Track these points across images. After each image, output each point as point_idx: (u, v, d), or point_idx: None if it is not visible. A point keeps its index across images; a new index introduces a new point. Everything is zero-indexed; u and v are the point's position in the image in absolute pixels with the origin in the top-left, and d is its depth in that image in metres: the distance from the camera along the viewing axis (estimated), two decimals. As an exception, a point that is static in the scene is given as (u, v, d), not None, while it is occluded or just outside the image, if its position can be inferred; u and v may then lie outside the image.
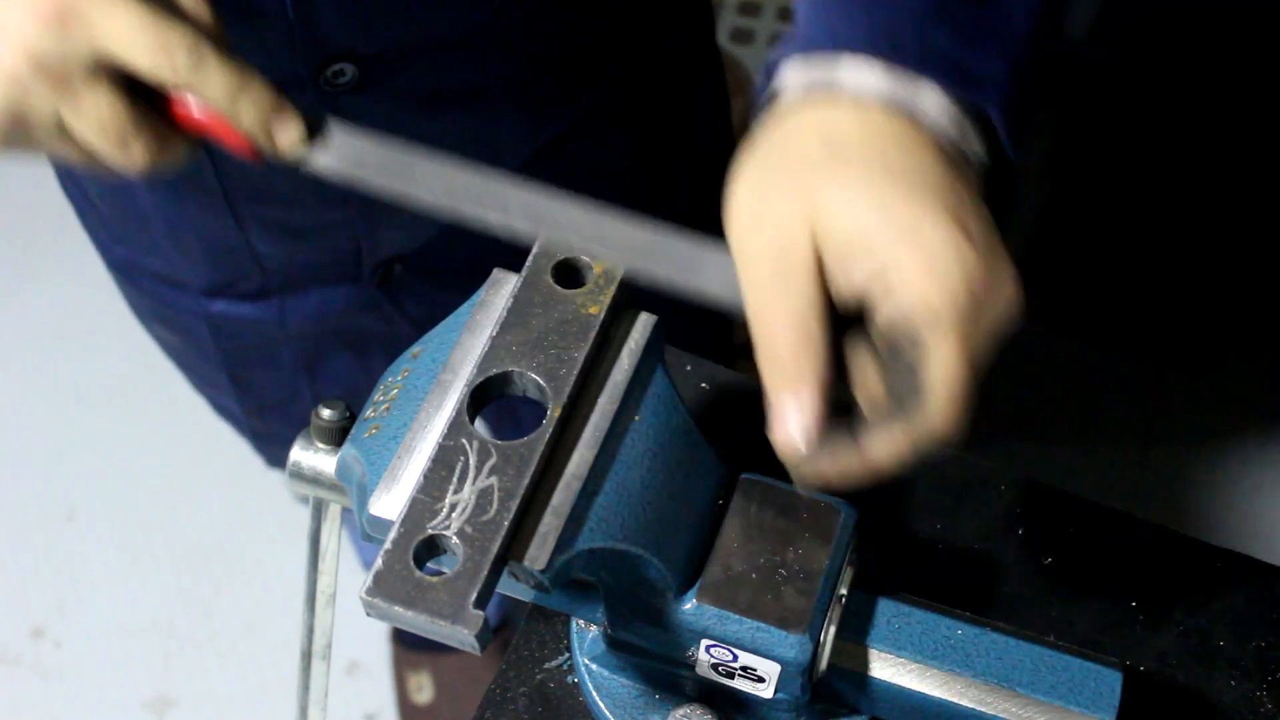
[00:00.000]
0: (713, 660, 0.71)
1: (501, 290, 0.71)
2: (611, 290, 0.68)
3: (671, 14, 1.15)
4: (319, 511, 0.78)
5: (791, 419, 0.61)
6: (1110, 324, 2.09)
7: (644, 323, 0.69)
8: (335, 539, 0.79)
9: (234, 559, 2.00)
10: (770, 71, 0.67)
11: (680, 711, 0.75)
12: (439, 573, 0.61)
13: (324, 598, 0.82)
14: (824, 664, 0.70)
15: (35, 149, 0.71)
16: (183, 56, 0.67)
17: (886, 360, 0.62)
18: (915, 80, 0.63)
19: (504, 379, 0.67)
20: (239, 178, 0.99)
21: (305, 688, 0.86)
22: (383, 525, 0.65)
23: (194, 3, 0.69)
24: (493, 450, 0.64)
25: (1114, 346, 2.07)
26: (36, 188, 1.76)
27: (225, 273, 1.10)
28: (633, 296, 0.70)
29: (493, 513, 0.62)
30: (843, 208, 0.60)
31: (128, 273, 1.17)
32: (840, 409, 0.63)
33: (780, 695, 0.71)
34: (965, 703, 0.71)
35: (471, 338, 0.69)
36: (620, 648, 0.75)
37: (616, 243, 0.69)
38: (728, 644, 0.69)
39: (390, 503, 0.66)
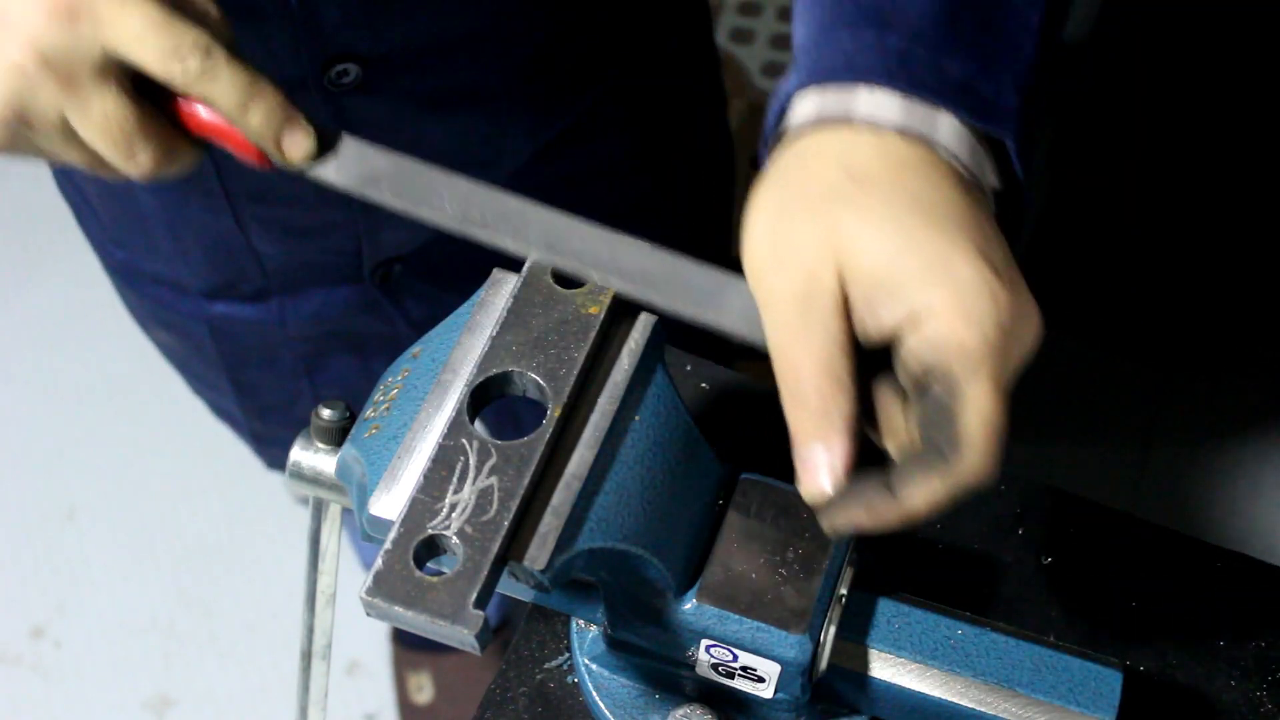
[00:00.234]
0: (713, 660, 0.71)
1: (501, 290, 0.71)
2: (611, 290, 0.68)
3: (671, 14, 1.15)
4: (319, 511, 0.78)
5: (821, 467, 0.60)
6: (1110, 324, 2.09)
7: (644, 323, 0.69)
8: (335, 539, 0.79)
9: (234, 559, 2.00)
10: (783, 103, 0.66)
11: (680, 711, 0.75)
12: (439, 573, 0.61)
13: (324, 598, 0.82)
14: (824, 664, 0.70)
15: (38, 151, 0.70)
16: (194, 59, 0.65)
17: (915, 400, 0.60)
18: (931, 110, 0.62)
19: (504, 379, 0.67)
20: (240, 178, 0.99)
21: (305, 688, 0.86)
22: (383, 525, 0.65)
23: (206, 5, 0.68)
24: (493, 450, 0.64)
25: (1114, 347, 2.07)
26: (36, 188, 1.76)
27: (226, 274, 1.10)
28: (633, 296, 0.70)
29: (493, 513, 0.62)
30: (869, 243, 0.59)
31: (127, 276, 1.17)
32: (864, 449, 0.61)
33: (780, 695, 0.71)
34: (965, 703, 0.71)
35: (471, 338, 0.69)
36: (620, 648, 0.75)
37: (635, 275, 0.68)
38: (728, 644, 0.69)
39: (390, 503, 0.66)
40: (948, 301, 0.58)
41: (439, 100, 0.97)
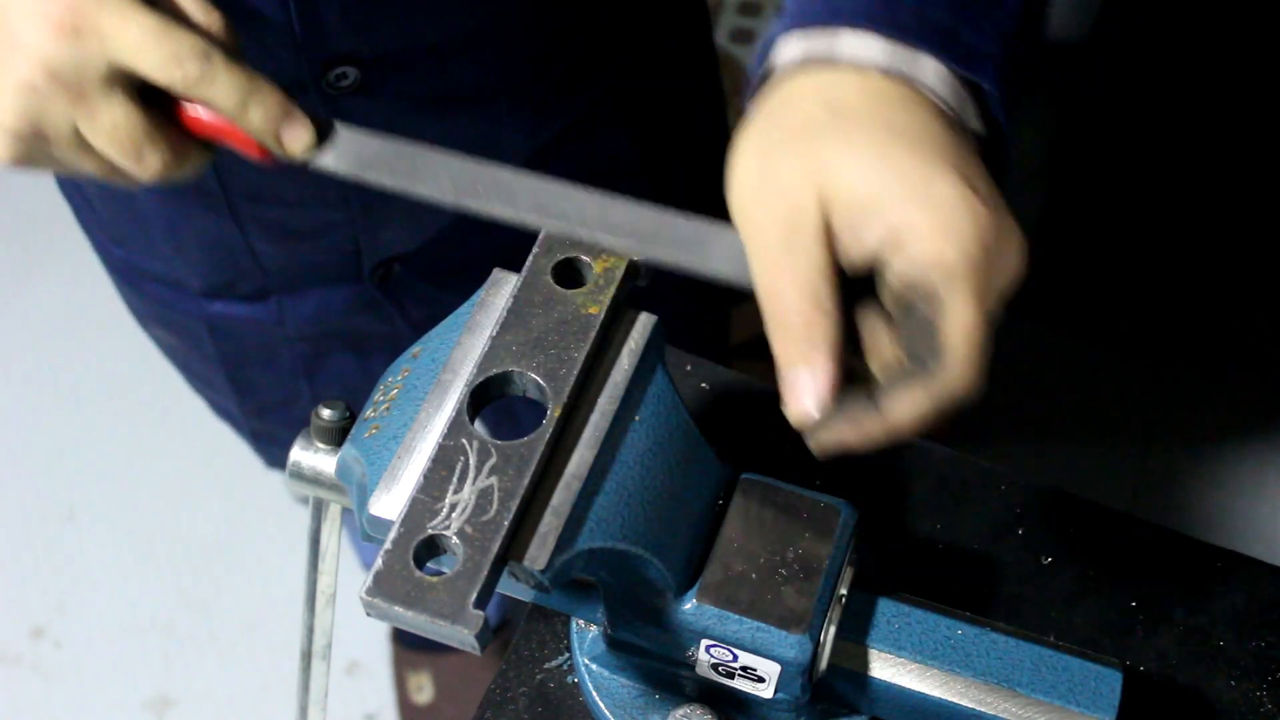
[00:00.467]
0: (713, 660, 0.71)
1: (501, 290, 0.71)
2: (611, 290, 0.68)
3: (671, 14, 1.15)
4: (319, 511, 0.78)
5: (806, 390, 0.61)
6: (1110, 324, 2.09)
7: (644, 323, 0.69)
8: (335, 539, 0.79)
9: (234, 559, 2.00)
10: (766, 48, 0.67)
11: (680, 711, 0.75)
12: (439, 573, 0.61)
13: (324, 598, 0.82)
14: (824, 664, 0.70)
15: (54, 163, 0.72)
16: (194, 65, 0.68)
17: (899, 321, 0.61)
18: (914, 52, 0.63)
19: (504, 379, 0.67)
20: (238, 178, 0.99)
21: (305, 688, 0.86)
22: (383, 525, 0.65)
23: (204, 13, 0.71)
24: (493, 450, 0.64)
25: (1114, 346, 2.07)
26: (36, 188, 1.77)
27: (225, 274, 1.11)
28: (633, 296, 0.70)
29: (493, 513, 0.62)
30: (850, 170, 0.60)
31: (126, 275, 1.17)
32: (849, 376, 0.62)
33: (780, 695, 0.71)
34: (965, 703, 0.71)
35: (471, 338, 0.69)
36: (620, 648, 0.75)
37: (623, 229, 0.69)
38: (728, 644, 0.69)
39: (390, 503, 0.66)
40: (928, 219, 0.59)
41: (437, 101, 0.97)
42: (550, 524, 0.63)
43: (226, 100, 0.69)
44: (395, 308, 1.14)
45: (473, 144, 1.02)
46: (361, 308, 1.14)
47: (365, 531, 0.67)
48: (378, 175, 0.72)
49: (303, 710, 0.87)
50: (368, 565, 1.68)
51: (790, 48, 0.65)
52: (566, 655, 0.82)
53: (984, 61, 0.64)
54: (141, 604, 1.97)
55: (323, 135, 0.72)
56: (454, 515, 0.62)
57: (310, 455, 0.74)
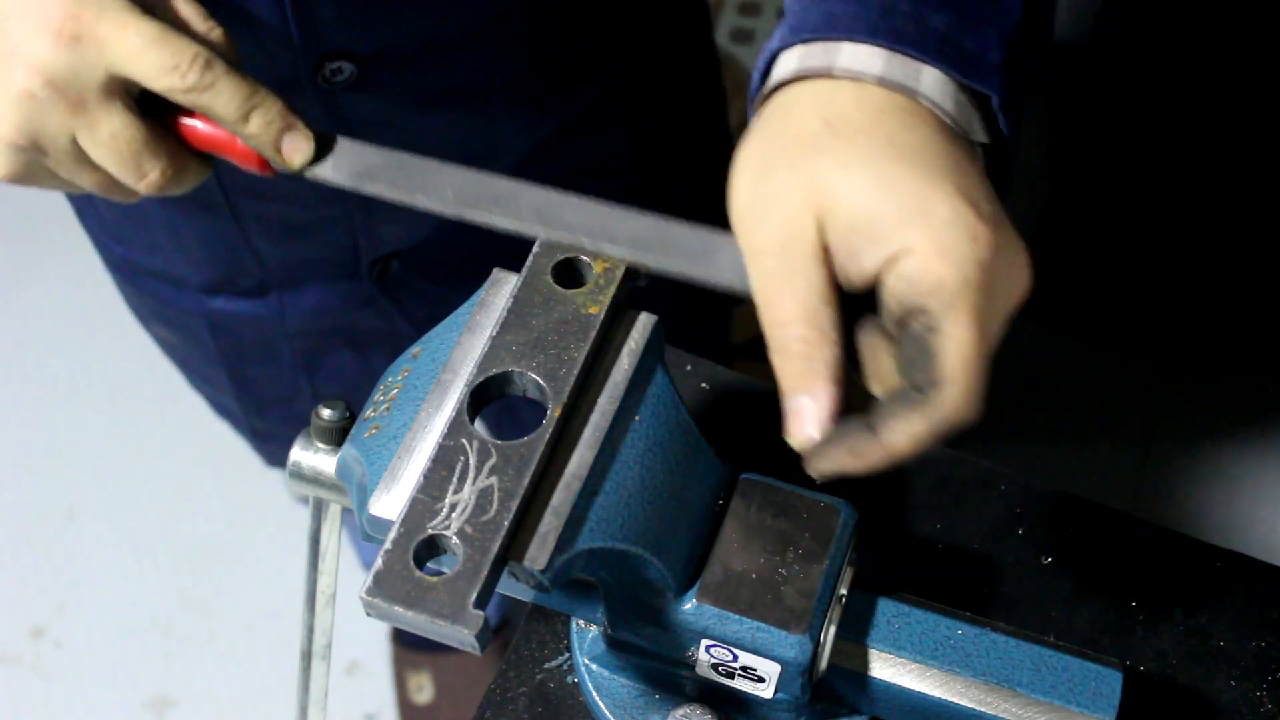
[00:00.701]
0: (713, 660, 0.71)
1: (501, 290, 0.71)
2: (611, 290, 0.68)
3: (671, 14, 1.15)
4: (319, 511, 0.78)
5: (808, 417, 0.60)
6: (1110, 324, 2.09)
7: (644, 323, 0.69)
8: (335, 539, 0.79)
9: (234, 559, 2.00)
10: (766, 61, 0.67)
11: (680, 711, 0.75)
12: (439, 573, 0.61)
13: (324, 598, 0.82)
14: (824, 664, 0.70)
15: (52, 177, 0.72)
16: (194, 72, 0.68)
17: (898, 342, 0.61)
18: (914, 63, 0.62)
19: (504, 379, 0.67)
20: (237, 175, 0.99)
21: (305, 688, 0.86)
22: (383, 525, 0.65)
23: (203, 21, 0.70)
24: (493, 450, 0.64)
25: (1114, 346, 2.07)
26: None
27: (224, 270, 1.11)
28: (633, 296, 0.70)
29: (493, 513, 0.62)
30: (846, 189, 0.59)
31: (126, 272, 1.17)
32: (850, 394, 0.62)
33: (780, 695, 0.71)
34: (965, 703, 0.71)
35: (471, 338, 0.69)
36: (620, 648, 0.75)
37: (626, 239, 0.69)
38: (728, 644, 0.69)
39: (390, 503, 0.66)
40: (924, 240, 0.58)
41: (434, 98, 0.97)
42: (550, 524, 0.63)
43: (227, 108, 0.69)
44: (393, 304, 1.14)
45: (470, 140, 1.02)
46: (360, 304, 1.14)
47: (365, 531, 0.67)
48: (378, 187, 0.72)
49: (303, 710, 0.87)
50: (368, 565, 1.68)
51: (789, 60, 0.65)
52: (566, 655, 0.82)
53: (986, 70, 0.63)
54: (141, 604, 1.97)
55: (323, 146, 0.72)
56: (454, 515, 0.62)
57: (310, 455, 0.74)
